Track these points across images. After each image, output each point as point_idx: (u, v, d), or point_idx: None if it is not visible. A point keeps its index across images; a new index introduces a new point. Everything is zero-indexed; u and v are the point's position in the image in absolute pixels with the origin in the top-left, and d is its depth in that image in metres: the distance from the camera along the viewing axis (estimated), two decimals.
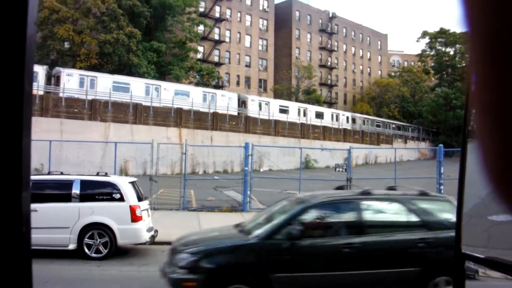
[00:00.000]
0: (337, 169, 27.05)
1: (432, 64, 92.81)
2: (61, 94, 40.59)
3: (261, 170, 43.85)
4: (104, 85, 44.21)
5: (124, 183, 14.28)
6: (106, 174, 15.39)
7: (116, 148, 25.29)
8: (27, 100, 1.05)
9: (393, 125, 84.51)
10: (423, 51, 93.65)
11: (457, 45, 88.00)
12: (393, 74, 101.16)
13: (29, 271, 1.10)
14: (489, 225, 1.85)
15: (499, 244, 1.84)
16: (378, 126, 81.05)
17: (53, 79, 44.70)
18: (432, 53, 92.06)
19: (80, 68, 48.56)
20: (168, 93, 49.54)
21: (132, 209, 13.72)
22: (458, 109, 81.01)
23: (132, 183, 14.77)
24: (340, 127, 69.01)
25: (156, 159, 23.86)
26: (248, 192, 24.20)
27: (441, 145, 28.34)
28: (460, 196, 1.70)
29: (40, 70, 41.19)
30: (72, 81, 43.28)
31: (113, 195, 13.89)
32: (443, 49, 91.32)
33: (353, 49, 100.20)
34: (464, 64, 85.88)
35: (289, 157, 47.95)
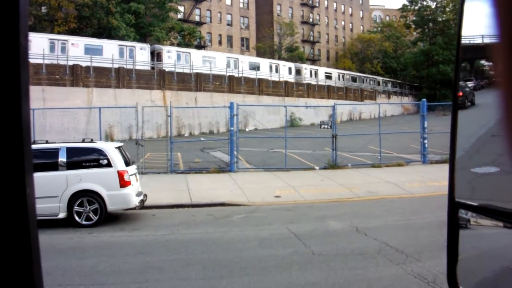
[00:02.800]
0: (323, 126, 27.10)
1: (414, 19, 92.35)
2: (41, 61, 39.76)
3: (247, 129, 43.90)
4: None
5: (110, 149, 14.19)
6: (92, 141, 15.29)
7: (100, 114, 25.01)
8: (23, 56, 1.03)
9: (381, 81, 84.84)
10: (404, 5, 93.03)
11: None
12: (374, 29, 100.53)
13: (38, 257, 1.10)
14: (472, 177, 1.90)
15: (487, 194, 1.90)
16: (366, 82, 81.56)
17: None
18: (413, 7, 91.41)
19: (59, 32, 47.55)
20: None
21: (120, 175, 13.70)
22: (440, 64, 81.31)
23: (119, 148, 14.68)
24: (324, 84, 68.95)
25: (141, 123, 23.74)
26: (235, 152, 24.25)
27: (424, 99, 28.53)
28: (452, 146, 1.72)
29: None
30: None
31: (100, 161, 13.83)
32: (424, 2, 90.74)
33: (334, 4, 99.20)
34: (444, 18, 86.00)
35: (274, 115, 48.05)
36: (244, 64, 58.87)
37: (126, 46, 48.72)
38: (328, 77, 72.77)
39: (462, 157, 1.78)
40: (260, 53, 76.81)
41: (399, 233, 12.33)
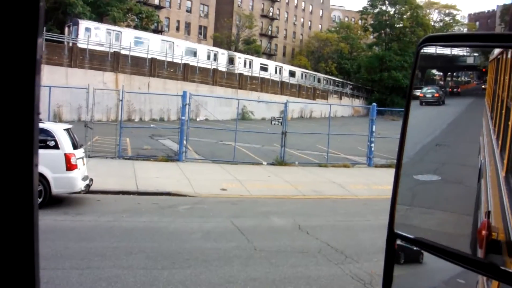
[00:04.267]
0: (273, 122, 27.39)
1: (372, 22, 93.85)
2: None
3: (198, 119, 43.77)
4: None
5: (59, 130, 13.95)
6: (40, 120, 15.00)
7: (50, 93, 24.42)
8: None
9: (338, 83, 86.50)
10: (365, 8, 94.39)
11: (397, 5, 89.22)
12: (332, 29, 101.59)
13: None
14: (415, 183, 2.05)
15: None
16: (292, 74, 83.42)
17: None
18: (373, 10, 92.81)
19: None
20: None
21: (67, 157, 13.49)
22: (393, 70, 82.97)
23: (67, 130, 14.45)
24: (279, 79, 69.48)
25: (92, 105, 23.35)
26: (184, 142, 24.20)
27: (374, 104, 29.13)
28: (396, 179, 1.80)
29: None
30: None
31: (48, 143, 13.55)
32: (384, 7, 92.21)
33: (296, 0, 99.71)
34: (401, 25, 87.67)
35: (226, 107, 48.02)
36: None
37: (212, 51, 63.51)
38: (292, 75, 75.83)
39: (407, 164, 1.89)
40: (217, 43, 76.62)
41: (340, 233, 12.67)
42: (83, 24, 48.11)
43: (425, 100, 2.27)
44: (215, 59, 61.47)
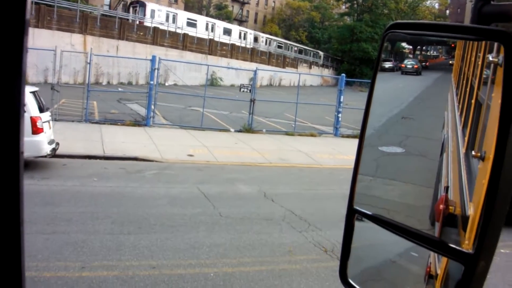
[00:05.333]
0: (242, 90, 27.36)
1: None
2: None
3: (166, 84, 43.35)
4: None
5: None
6: None
7: None
8: None
9: (311, 52, 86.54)
10: None
11: None
12: None
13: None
14: (379, 155, 2.10)
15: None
16: (300, 52, 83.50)
17: None
18: None
19: None
20: None
21: (33, 121, 13.27)
22: (363, 42, 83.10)
23: (34, 92, 14.20)
24: (248, 46, 69.09)
25: (59, 67, 22.89)
26: (152, 107, 24.02)
27: (343, 74, 29.22)
28: (358, 156, 1.79)
29: None
30: None
31: None
32: None
33: None
34: None
35: (195, 73, 47.69)
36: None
37: (243, 31, 72.55)
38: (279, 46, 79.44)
39: (372, 136, 1.92)
40: (188, 8, 75.48)
41: (304, 202, 12.89)
42: (149, 6, 57.10)
43: (405, 70, 2.42)
44: (244, 38, 70.64)
